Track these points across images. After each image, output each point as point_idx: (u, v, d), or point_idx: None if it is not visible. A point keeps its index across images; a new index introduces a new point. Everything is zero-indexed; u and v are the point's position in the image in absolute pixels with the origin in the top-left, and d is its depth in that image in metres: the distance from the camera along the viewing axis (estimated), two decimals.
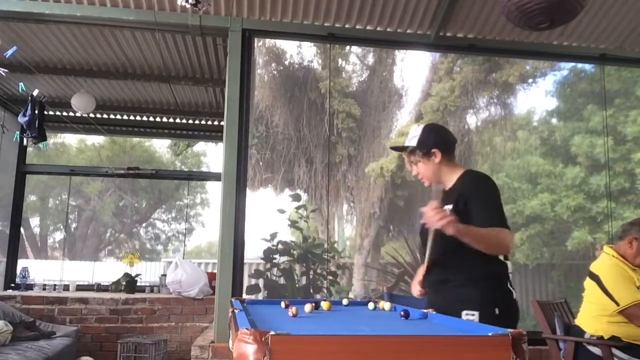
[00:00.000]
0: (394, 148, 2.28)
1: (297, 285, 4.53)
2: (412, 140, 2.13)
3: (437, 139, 2.10)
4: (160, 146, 12.92)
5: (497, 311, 1.88)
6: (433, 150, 2.06)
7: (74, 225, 12.30)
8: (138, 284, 5.33)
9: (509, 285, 1.96)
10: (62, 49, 4.52)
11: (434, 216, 1.80)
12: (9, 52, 3.76)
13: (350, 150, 4.98)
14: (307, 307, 2.17)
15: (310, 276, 4.58)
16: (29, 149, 5.85)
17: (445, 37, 4.13)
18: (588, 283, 2.79)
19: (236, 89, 3.76)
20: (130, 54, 4.61)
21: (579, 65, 5.28)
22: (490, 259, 1.91)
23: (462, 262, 1.95)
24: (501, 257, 1.96)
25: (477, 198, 1.96)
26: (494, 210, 1.95)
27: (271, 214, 4.63)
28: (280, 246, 4.66)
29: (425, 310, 2.07)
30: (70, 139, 12.31)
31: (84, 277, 8.81)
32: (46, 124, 4.86)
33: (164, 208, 13.65)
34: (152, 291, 5.22)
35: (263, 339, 1.24)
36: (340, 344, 1.32)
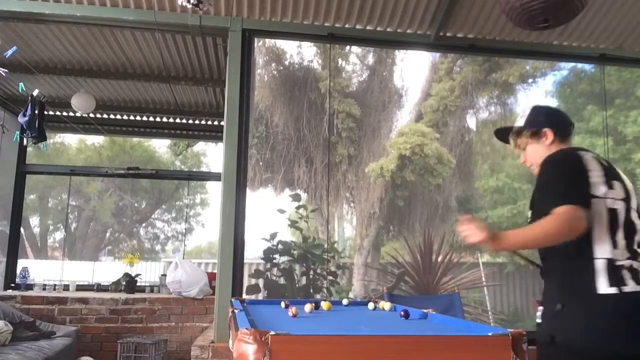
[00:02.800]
0: (498, 130, 1.97)
1: (297, 285, 4.53)
2: (519, 121, 1.89)
3: (549, 118, 1.84)
4: (160, 146, 12.92)
5: (558, 307, 1.61)
6: (544, 129, 1.81)
7: (73, 225, 12.29)
8: (138, 284, 5.32)
9: (596, 282, 1.56)
10: (62, 49, 4.52)
11: (466, 231, 1.62)
12: (9, 52, 3.76)
13: (350, 150, 4.98)
14: (307, 307, 2.17)
15: (310, 276, 4.58)
16: (29, 149, 5.85)
17: (445, 37, 4.12)
18: None
19: (236, 89, 3.76)
20: (130, 54, 4.61)
21: (579, 65, 5.28)
22: (569, 246, 1.59)
23: (549, 250, 1.70)
24: (599, 246, 1.58)
25: (537, 187, 1.74)
26: (548, 191, 1.66)
27: (271, 214, 4.64)
28: (280, 246, 4.66)
29: (425, 310, 2.08)
30: (70, 139, 12.31)
31: (84, 277, 8.82)
32: (46, 124, 4.86)
33: (163, 208, 13.65)
34: (152, 291, 5.22)
35: (263, 339, 1.25)
36: (340, 344, 1.32)
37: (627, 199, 1.66)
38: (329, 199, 4.50)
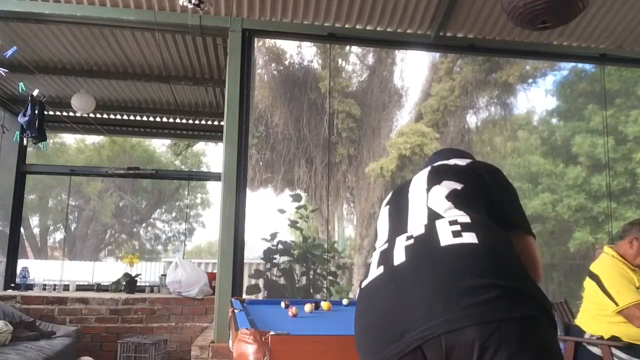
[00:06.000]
0: None
1: (297, 285, 4.53)
2: None
3: None
4: (160, 146, 12.91)
5: None
6: None
7: (74, 225, 12.29)
8: (138, 284, 5.32)
9: None
10: (62, 49, 4.52)
11: None
12: (9, 52, 3.75)
13: (350, 150, 4.98)
14: (307, 307, 2.17)
15: (310, 276, 4.58)
16: (29, 149, 5.85)
17: (445, 37, 4.12)
18: (588, 283, 2.79)
19: (236, 89, 3.76)
20: (130, 54, 4.61)
21: (579, 65, 5.28)
22: None
23: None
24: None
25: None
26: None
27: (271, 214, 4.64)
28: (280, 246, 4.66)
29: None
30: (70, 139, 12.29)
31: (84, 277, 8.81)
32: (46, 124, 4.85)
33: (164, 208, 13.64)
34: (152, 291, 5.22)
35: (263, 339, 1.24)
36: (340, 343, 1.32)
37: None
38: (329, 199, 4.50)
